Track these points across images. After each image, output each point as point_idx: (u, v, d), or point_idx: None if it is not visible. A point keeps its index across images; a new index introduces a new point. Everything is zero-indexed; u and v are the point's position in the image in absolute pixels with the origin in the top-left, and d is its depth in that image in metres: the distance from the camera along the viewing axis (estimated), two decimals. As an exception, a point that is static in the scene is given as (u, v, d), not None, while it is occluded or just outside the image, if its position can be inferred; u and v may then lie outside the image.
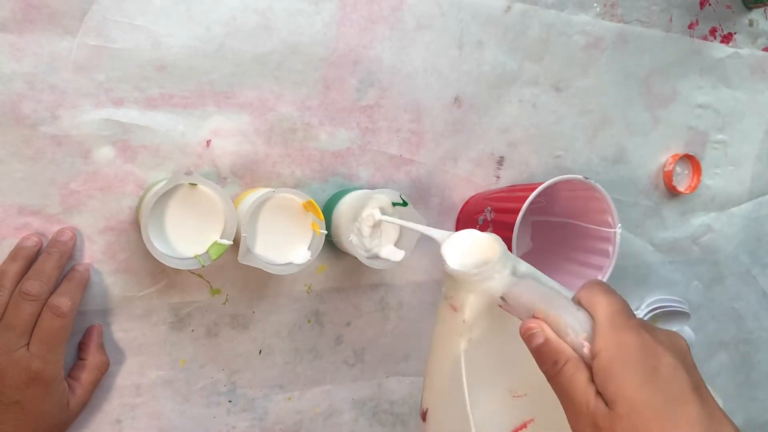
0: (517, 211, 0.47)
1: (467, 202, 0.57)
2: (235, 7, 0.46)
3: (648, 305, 0.67)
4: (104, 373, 0.46)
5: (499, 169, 0.58)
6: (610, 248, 0.51)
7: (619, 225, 0.51)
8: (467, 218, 0.55)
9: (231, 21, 0.46)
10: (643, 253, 0.66)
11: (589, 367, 0.30)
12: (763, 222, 0.72)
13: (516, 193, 0.50)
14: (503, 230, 0.49)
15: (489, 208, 0.51)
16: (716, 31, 0.64)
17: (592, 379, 0.30)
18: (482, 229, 0.50)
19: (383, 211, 0.47)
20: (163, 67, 0.45)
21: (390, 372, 0.58)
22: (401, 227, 0.50)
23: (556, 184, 0.48)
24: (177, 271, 0.47)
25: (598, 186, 0.49)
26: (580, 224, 0.54)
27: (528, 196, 0.47)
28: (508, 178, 0.58)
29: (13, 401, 0.40)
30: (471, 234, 0.36)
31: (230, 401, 0.52)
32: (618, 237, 0.51)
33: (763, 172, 0.70)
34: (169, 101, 0.45)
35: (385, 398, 0.58)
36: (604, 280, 0.51)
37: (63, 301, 0.42)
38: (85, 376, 0.45)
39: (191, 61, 0.45)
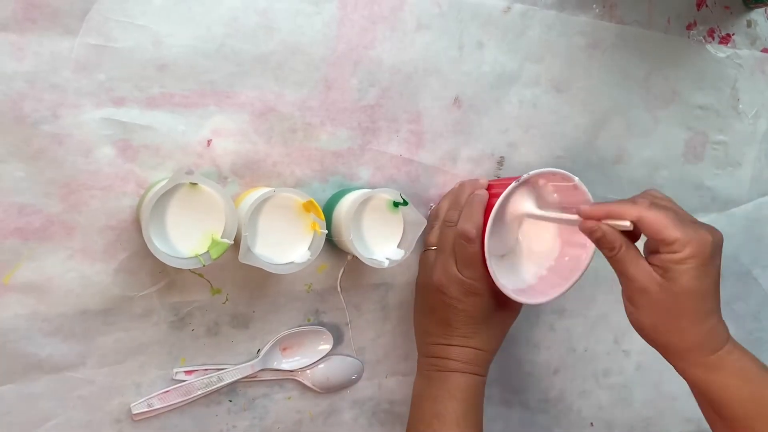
0: (491, 207, 0.48)
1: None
2: (235, 7, 0.46)
3: (648, 306, 0.67)
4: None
5: (500, 169, 0.58)
6: (587, 241, 0.50)
7: None
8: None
9: (232, 21, 0.46)
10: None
11: (636, 248, 0.43)
12: (764, 223, 0.72)
13: (494, 189, 0.51)
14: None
15: None
16: (714, 32, 0.65)
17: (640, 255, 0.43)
18: None
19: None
20: (164, 67, 0.45)
21: (390, 372, 0.58)
22: (405, 227, 0.50)
23: (536, 177, 0.49)
24: (177, 270, 0.47)
25: (577, 179, 0.48)
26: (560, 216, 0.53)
27: (503, 191, 0.48)
28: (508, 178, 0.58)
29: (460, 309, 0.50)
30: None
31: (230, 401, 0.52)
32: None
33: (763, 173, 0.70)
34: (170, 101, 0.45)
35: (385, 398, 0.58)
36: (580, 272, 0.50)
37: (467, 227, 0.48)
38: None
39: (192, 61, 0.45)
